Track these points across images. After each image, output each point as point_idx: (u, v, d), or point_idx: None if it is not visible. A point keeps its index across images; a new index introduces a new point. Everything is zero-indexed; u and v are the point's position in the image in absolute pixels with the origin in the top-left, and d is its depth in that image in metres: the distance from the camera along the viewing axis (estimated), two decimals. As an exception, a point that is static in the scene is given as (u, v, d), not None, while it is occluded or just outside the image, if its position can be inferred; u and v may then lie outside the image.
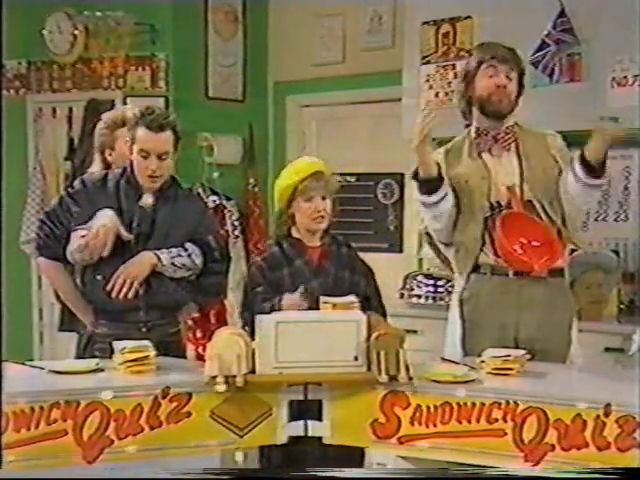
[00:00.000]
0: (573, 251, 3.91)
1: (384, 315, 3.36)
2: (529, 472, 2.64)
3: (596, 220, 4.68)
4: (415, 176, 3.43)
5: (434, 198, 3.39)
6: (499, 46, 3.47)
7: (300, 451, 2.99)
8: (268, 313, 3.05)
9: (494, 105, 3.41)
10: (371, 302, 3.39)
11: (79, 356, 3.51)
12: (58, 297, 3.85)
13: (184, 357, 3.55)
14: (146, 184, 3.44)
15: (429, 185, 3.39)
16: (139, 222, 3.43)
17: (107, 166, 3.76)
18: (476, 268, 3.42)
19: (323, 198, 3.39)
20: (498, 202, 3.39)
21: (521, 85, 3.47)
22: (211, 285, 3.57)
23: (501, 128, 3.43)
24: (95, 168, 3.81)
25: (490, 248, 3.38)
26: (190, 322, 5.58)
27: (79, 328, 3.63)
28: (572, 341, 3.43)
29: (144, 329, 3.41)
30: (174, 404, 2.78)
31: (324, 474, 2.61)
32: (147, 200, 3.46)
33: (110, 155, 3.76)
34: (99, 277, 3.42)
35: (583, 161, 3.27)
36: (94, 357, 3.28)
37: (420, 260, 5.40)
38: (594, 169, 3.27)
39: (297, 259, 3.39)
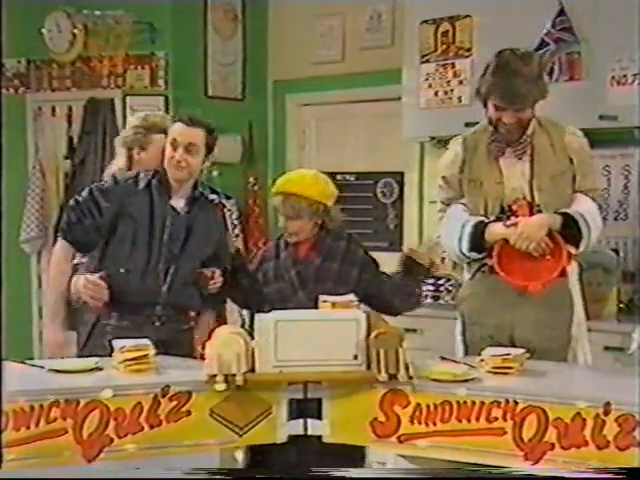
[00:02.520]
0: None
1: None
2: (544, 472, 2.63)
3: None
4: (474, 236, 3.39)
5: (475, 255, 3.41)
6: (509, 83, 3.23)
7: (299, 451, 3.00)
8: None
9: (502, 135, 3.36)
10: (368, 289, 3.47)
11: (84, 347, 3.54)
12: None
13: (193, 353, 3.57)
14: (174, 176, 3.51)
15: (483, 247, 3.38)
16: (172, 223, 3.52)
17: (131, 164, 3.81)
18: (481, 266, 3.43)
19: (289, 218, 3.47)
20: (510, 207, 3.37)
21: (543, 97, 3.33)
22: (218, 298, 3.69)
23: (514, 137, 3.36)
24: (119, 163, 3.86)
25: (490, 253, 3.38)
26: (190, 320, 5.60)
27: (79, 327, 3.64)
28: (577, 340, 3.42)
29: (157, 323, 3.49)
30: (174, 403, 2.78)
31: (324, 474, 2.62)
32: (178, 203, 3.56)
33: (138, 154, 3.79)
34: (122, 270, 3.49)
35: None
36: (103, 347, 3.30)
37: (420, 259, 5.40)
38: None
39: (283, 252, 3.53)
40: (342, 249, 3.52)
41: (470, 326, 3.50)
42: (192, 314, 3.65)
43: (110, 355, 3.03)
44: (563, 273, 3.35)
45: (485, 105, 3.37)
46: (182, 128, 3.49)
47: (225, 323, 3.93)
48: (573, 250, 3.34)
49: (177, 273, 3.52)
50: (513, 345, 3.30)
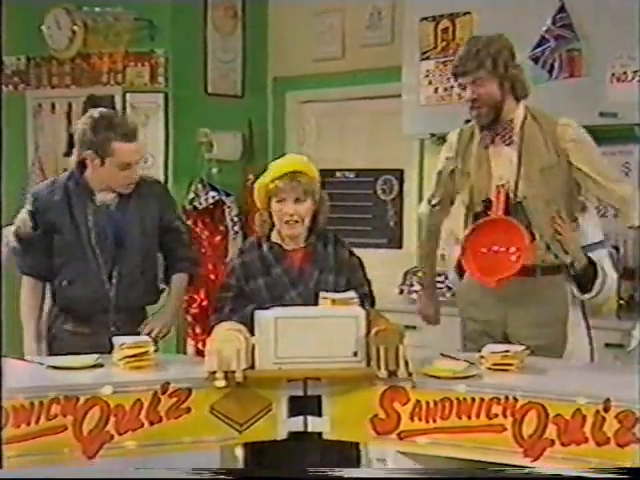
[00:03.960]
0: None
1: (372, 304, 3.27)
2: (545, 471, 2.63)
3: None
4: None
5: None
6: (461, 53, 3.35)
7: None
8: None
9: (475, 117, 3.37)
10: (365, 295, 3.27)
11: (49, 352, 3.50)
12: None
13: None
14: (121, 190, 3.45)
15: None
16: (96, 223, 3.43)
17: None
18: None
19: (297, 200, 3.16)
20: (489, 200, 3.36)
21: (502, 78, 3.30)
22: (185, 260, 3.61)
23: (500, 123, 3.36)
24: None
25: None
26: (190, 318, 5.60)
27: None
28: (574, 337, 3.42)
29: (113, 328, 3.41)
30: (174, 399, 2.78)
31: (325, 474, 2.62)
32: (106, 197, 3.46)
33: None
34: (65, 283, 3.46)
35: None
36: (52, 354, 3.33)
37: (419, 256, 5.40)
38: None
39: (275, 267, 3.21)
40: (333, 256, 3.26)
41: (465, 320, 3.54)
42: (147, 311, 3.59)
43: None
44: (524, 272, 3.30)
45: None
46: (129, 147, 3.37)
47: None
48: (579, 295, 3.39)
49: (121, 273, 3.44)
50: (507, 341, 3.31)
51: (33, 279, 3.55)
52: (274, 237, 3.26)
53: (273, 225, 3.24)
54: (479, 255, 3.34)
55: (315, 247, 3.25)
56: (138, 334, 3.36)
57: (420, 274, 3.88)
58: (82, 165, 3.46)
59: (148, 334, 3.38)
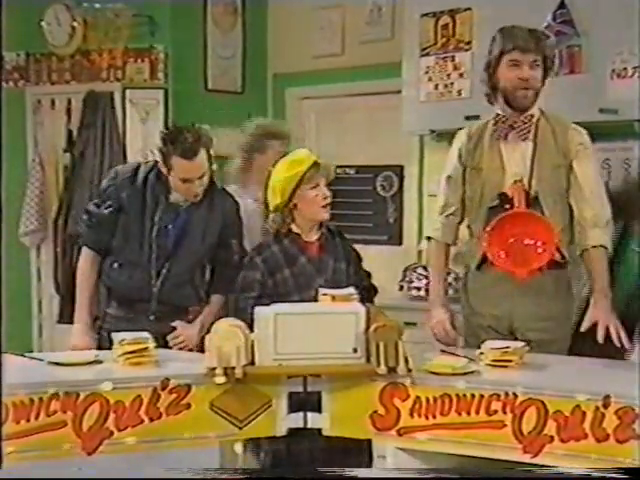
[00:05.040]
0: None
1: (376, 293, 3.48)
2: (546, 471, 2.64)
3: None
4: None
5: None
6: (521, 32, 3.35)
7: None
8: None
9: (518, 100, 3.35)
10: (365, 288, 3.43)
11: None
12: (58, 289, 3.90)
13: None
14: (188, 198, 3.53)
15: None
16: (161, 219, 3.51)
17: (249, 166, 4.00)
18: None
19: (327, 185, 3.39)
20: (505, 194, 3.35)
21: (547, 69, 3.38)
22: (227, 283, 3.56)
23: (520, 117, 3.37)
24: (236, 165, 4.06)
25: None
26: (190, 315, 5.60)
27: None
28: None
29: (152, 317, 3.50)
30: (173, 396, 2.79)
31: (328, 473, 2.62)
32: (178, 198, 3.54)
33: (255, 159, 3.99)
34: (116, 265, 3.54)
35: None
36: (99, 335, 3.46)
37: (419, 252, 5.40)
38: None
39: (300, 257, 3.37)
40: (341, 247, 3.48)
41: (471, 316, 3.51)
42: (192, 309, 3.63)
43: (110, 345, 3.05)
44: (551, 264, 3.32)
45: (495, 92, 3.40)
46: (186, 164, 3.43)
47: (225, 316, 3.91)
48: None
49: (170, 272, 3.51)
50: (513, 336, 3.31)
51: (93, 252, 3.61)
52: (295, 229, 3.39)
53: (293, 219, 3.38)
54: (507, 247, 3.32)
55: (327, 238, 3.44)
56: (174, 329, 3.52)
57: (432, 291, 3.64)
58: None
59: (173, 340, 3.50)
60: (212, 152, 3.54)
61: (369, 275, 3.55)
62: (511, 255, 3.32)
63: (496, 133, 3.40)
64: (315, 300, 3.13)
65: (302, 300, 3.20)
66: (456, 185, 3.50)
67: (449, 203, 3.52)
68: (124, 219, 3.53)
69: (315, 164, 3.37)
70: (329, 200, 3.38)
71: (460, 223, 3.56)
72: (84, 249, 3.65)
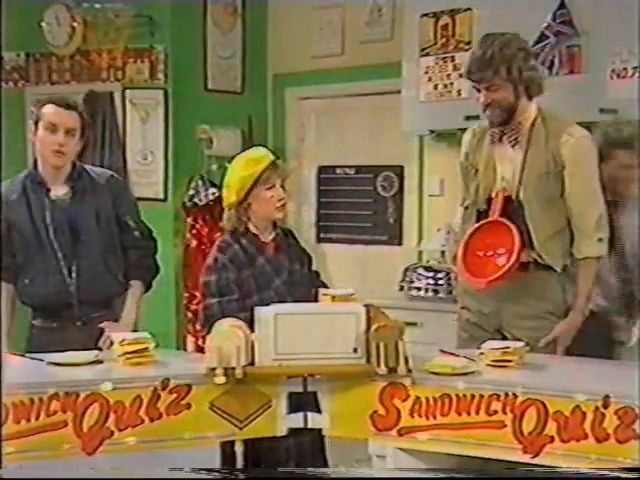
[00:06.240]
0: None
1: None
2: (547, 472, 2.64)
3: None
4: None
5: None
6: (475, 56, 3.31)
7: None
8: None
9: (489, 117, 3.37)
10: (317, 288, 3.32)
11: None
12: None
13: None
14: (53, 162, 3.43)
15: None
16: (53, 218, 3.43)
17: None
18: None
19: (282, 185, 3.32)
20: (492, 199, 3.38)
21: (516, 87, 3.30)
22: (139, 267, 3.55)
23: (508, 125, 3.36)
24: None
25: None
26: (190, 314, 5.60)
27: None
28: None
29: (79, 323, 3.45)
30: (174, 396, 2.78)
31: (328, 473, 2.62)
32: (59, 192, 3.46)
33: None
34: (27, 281, 3.46)
35: None
36: (31, 352, 3.24)
37: (420, 253, 5.41)
38: None
39: (258, 257, 3.29)
40: (294, 247, 3.42)
41: (461, 309, 3.57)
42: (117, 300, 3.55)
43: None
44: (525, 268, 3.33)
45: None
46: (59, 111, 3.40)
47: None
48: None
49: (80, 267, 3.44)
50: (500, 335, 3.35)
51: (4, 282, 3.44)
52: (252, 229, 3.32)
53: (248, 219, 3.31)
54: (474, 257, 3.37)
55: (282, 239, 3.39)
56: (103, 330, 3.42)
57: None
58: (36, 161, 3.50)
59: (104, 343, 3.38)
60: (87, 129, 3.52)
61: (318, 275, 3.49)
62: (472, 265, 3.37)
63: (491, 137, 3.42)
64: (273, 302, 3.06)
65: (261, 301, 3.11)
66: (467, 180, 3.54)
67: (465, 196, 3.55)
68: (19, 236, 3.44)
69: (272, 164, 3.30)
70: (284, 201, 3.31)
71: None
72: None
